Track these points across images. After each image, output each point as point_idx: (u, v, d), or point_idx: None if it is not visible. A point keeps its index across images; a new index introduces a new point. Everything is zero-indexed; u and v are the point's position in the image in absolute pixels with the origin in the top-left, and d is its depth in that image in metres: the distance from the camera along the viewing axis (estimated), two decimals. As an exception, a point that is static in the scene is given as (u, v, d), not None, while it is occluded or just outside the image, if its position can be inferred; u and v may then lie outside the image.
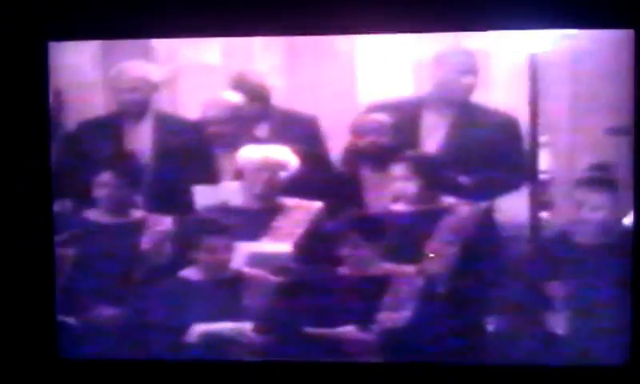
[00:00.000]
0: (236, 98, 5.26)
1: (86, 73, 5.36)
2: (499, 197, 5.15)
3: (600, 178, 5.00)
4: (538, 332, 4.89)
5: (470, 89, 5.25)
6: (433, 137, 5.21)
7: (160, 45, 5.35)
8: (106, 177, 5.20)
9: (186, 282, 5.01)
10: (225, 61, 5.36)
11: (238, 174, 5.19)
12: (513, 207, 5.10)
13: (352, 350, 4.87)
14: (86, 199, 5.27)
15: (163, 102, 5.42)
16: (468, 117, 5.24)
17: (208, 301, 4.97)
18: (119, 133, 5.36)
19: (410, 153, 5.09)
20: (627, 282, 4.79)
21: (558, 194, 5.20)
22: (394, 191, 5.10)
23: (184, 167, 5.26)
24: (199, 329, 4.97)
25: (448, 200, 5.09)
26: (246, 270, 5.01)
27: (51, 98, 5.06)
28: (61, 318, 5.09)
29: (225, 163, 5.26)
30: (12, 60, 5.02)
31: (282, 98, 5.28)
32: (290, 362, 4.93)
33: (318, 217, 5.13)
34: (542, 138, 5.15)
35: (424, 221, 5.04)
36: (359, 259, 4.94)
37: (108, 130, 5.36)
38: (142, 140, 5.40)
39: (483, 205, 5.08)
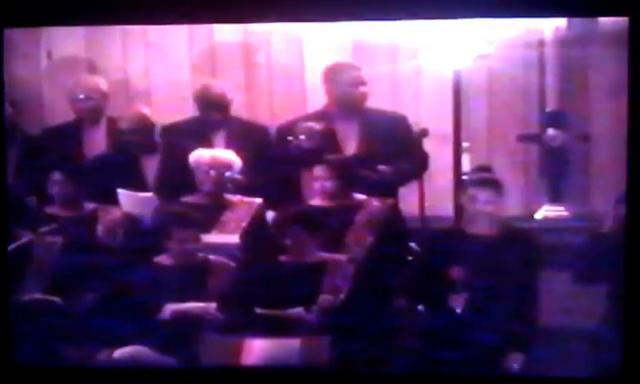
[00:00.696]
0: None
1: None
2: (406, 185, 5.73)
3: (487, 178, 5.43)
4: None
5: (363, 98, 5.81)
6: (347, 140, 5.77)
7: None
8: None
9: (160, 267, 5.46)
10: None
11: (191, 174, 5.68)
12: (439, 203, 5.75)
13: (298, 328, 5.29)
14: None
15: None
16: (369, 120, 5.79)
17: (178, 284, 5.40)
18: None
19: (330, 155, 5.60)
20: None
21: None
22: (320, 188, 5.59)
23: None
24: (171, 308, 5.36)
25: (362, 196, 5.60)
26: (211, 257, 5.46)
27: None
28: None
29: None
30: None
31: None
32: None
33: (259, 212, 5.65)
34: (464, 144, 5.81)
35: (346, 214, 5.54)
36: (298, 248, 5.44)
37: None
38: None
39: (393, 199, 5.65)
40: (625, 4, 4.72)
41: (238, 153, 5.67)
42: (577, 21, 5.91)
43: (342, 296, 5.35)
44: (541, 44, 6.03)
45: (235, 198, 5.68)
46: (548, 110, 6.07)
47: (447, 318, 5.22)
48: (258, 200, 5.66)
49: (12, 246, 5.38)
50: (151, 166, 5.80)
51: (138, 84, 6.23)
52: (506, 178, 5.70)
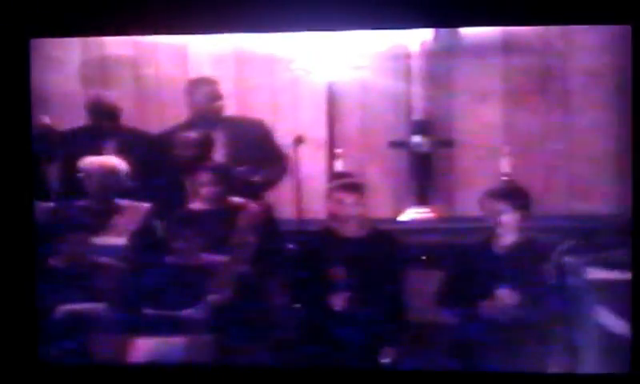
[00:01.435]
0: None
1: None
2: (271, 187, 6.08)
3: (351, 182, 5.76)
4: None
5: (220, 110, 6.12)
6: (219, 148, 6.07)
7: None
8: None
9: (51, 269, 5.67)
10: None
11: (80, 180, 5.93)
12: (314, 206, 6.05)
13: (187, 326, 5.59)
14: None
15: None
16: (233, 128, 6.10)
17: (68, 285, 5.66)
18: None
19: (208, 162, 5.93)
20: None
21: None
22: (202, 194, 5.87)
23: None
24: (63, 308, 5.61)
25: (238, 199, 5.89)
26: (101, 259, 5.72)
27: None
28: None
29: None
30: None
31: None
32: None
33: (146, 216, 5.89)
34: (338, 151, 6.23)
35: (226, 217, 5.83)
36: (183, 250, 5.71)
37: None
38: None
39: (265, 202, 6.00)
40: (627, 13, 4.77)
41: (127, 159, 5.93)
42: (442, 33, 6.31)
43: (224, 295, 5.65)
44: (408, 55, 6.40)
45: (123, 202, 5.93)
46: (415, 118, 6.45)
47: (323, 314, 5.54)
48: (146, 204, 5.91)
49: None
50: (52, 173, 6.01)
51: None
52: (377, 182, 6.13)
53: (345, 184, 5.73)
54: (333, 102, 6.19)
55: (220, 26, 5.11)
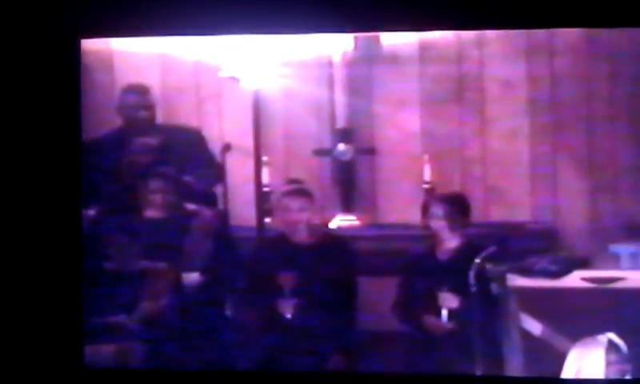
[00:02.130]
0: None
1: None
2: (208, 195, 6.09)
3: (298, 188, 5.87)
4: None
5: (146, 120, 6.10)
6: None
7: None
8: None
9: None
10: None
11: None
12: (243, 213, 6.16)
13: (121, 335, 5.61)
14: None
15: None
16: (171, 136, 6.11)
17: None
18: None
19: (160, 169, 5.93)
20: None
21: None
22: (153, 201, 5.89)
23: None
24: None
25: (191, 206, 5.95)
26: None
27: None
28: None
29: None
30: (44, 57, 5.09)
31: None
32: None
33: (90, 223, 5.80)
34: (264, 158, 6.25)
35: (175, 224, 5.88)
36: (123, 257, 5.73)
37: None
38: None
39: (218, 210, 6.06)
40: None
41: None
42: (362, 42, 6.40)
43: (162, 302, 5.70)
44: (330, 64, 6.46)
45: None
46: (338, 126, 6.52)
47: (270, 320, 5.66)
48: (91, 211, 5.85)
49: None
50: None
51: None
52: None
53: (290, 191, 5.84)
54: (258, 110, 6.20)
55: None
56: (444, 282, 5.56)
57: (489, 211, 6.37)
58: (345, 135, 6.50)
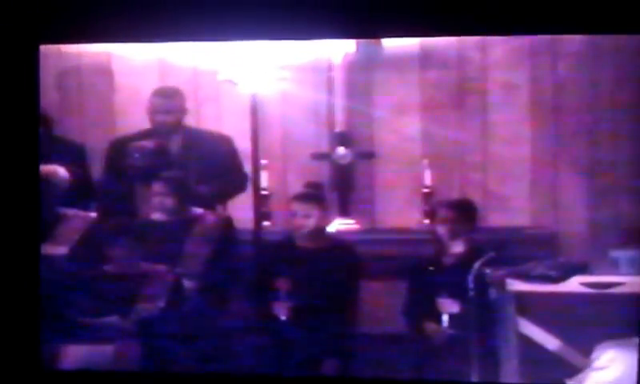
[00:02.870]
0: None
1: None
2: (230, 199, 6.13)
3: (305, 194, 5.91)
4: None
5: (165, 124, 6.06)
6: (178, 159, 6.07)
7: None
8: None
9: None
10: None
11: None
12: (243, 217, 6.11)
13: (114, 336, 5.57)
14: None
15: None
16: (193, 140, 6.09)
17: None
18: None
19: (165, 173, 5.90)
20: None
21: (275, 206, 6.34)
22: (154, 204, 5.88)
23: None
24: None
25: (196, 210, 5.93)
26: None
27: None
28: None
29: None
30: (3, 63, 5.03)
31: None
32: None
33: (91, 225, 5.86)
34: (262, 162, 6.23)
35: (179, 228, 5.84)
36: (123, 259, 5.71)
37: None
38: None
39: (223, 214, 6.06)
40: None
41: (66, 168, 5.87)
42: (362, 46, 6.40)
43: (161, 304, 5.66)
44: (330, 68, 6.48)
45: (71, 211, 5.88)
46: (337, 130, 6.53)
47: (271, 323, 5.67)
48: (92, 214, 5.92)
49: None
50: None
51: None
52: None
53: (298, 195, 5.90)
54: (257, 114, 6.19)
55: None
56: (446, 287, 5.58)
57: (488, 216, 6.37)
58: (344, 139, 6.51)
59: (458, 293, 5.54)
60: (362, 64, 6.46)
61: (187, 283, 5.73)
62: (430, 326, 5.59)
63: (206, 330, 5.63)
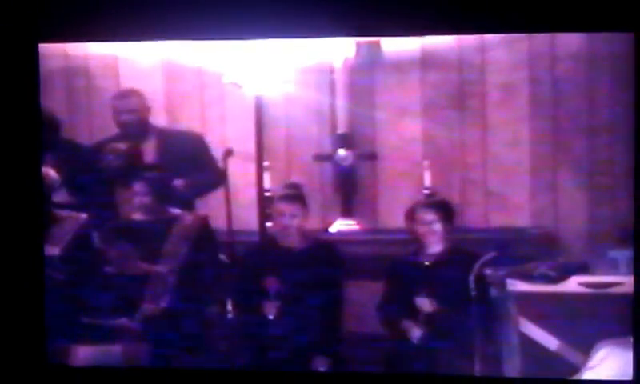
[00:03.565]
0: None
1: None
2: (204, 196, 6.20)
3: (292, 194, 5.98)
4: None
5: (130, 124, 6.18)
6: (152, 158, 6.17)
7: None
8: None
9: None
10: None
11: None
12: (243, 217, 6.20)
13: (123, 337, 5.68)
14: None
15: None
16: (166, 139, 6.20)
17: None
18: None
19: (144, 173, 5.99)
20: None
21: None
22: (132, 203, 5.97)
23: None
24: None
25: (175, 210, 6.00)
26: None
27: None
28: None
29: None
30: (3, 62, 5.10)
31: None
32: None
33: (83, 226, 5.92)
34: (265, 163, 6.29)
35: (160, 227, 5.92)
36: (119, 260, 5.81)
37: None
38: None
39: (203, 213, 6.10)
40: (630, 21, 4.86)
41: (61, 170, 5.94)
42: (364, 49, 6.48)
43: (161, 304, 5.75)
44: (332, 70, 6.52)
45: (63, 212, 5.93)
46: (339, 131, 6.57)
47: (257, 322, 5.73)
48: (83, 215, 5.94)
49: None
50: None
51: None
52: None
53: (282, 195, 5.97)
54: (260, 116, 6.26)
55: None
56: (424, 286, 5.67)
57: (489, 216, 6.44)
58: (346, 140, 6.55)
59: (434, 293, 5.65)
60: (364, 66, 6.52)
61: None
62: (405, 324, 5.67)
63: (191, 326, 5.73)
